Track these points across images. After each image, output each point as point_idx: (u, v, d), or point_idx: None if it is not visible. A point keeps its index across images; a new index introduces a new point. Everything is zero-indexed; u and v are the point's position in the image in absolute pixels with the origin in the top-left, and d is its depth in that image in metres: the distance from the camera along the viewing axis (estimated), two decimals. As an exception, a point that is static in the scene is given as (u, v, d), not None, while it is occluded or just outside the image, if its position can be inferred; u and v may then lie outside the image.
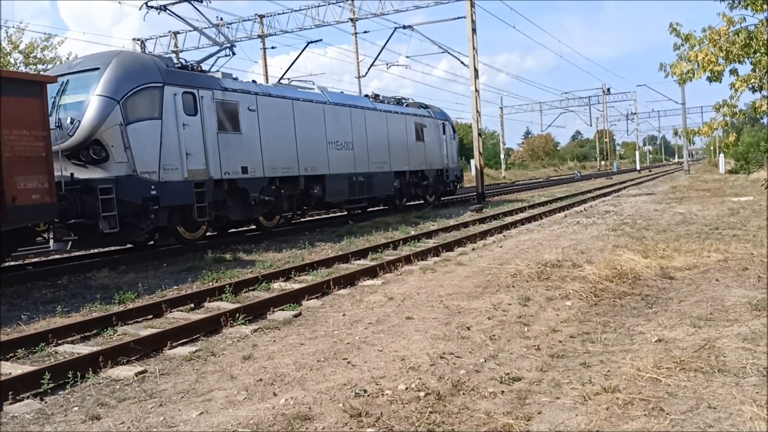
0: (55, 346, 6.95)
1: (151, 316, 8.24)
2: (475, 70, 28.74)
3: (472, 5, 28.40)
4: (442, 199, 28.40)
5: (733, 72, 10.46)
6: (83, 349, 6.77)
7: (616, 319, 6.63)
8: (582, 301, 7.46)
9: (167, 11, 17.29)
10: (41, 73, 27.16)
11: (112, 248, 15.39)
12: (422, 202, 26.24)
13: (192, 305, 8.75)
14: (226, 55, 17.78)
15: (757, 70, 10.31)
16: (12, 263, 13.36)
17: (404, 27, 32.90)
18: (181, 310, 8.51)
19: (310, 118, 18.38)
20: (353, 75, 35.12)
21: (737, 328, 5.91)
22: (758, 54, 9.99)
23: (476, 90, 28.99)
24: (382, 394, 4.82)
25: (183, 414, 4.75)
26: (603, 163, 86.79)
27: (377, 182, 21.69)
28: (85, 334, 7.43)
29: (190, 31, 34.43)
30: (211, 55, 17.51)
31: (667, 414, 4.12)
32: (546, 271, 9.14)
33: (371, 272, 10.43)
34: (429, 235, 15.66)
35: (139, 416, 4.76)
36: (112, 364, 6.01)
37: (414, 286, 9.21)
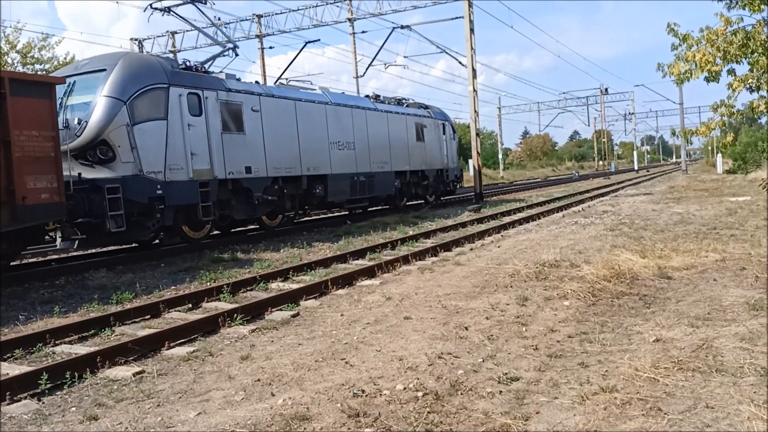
0: (52, 346, 6.94)
1: (148, 317, 8.23)
2: (473, 70, 28.74)
3: (470, 5, 28.40)
4: (442, 198, 28.54)
5: (731, 72, 10.47)
6: (81, 349, 6.76)
7: (614, 319, 6.63)
8: (580, 301, 7.46)
9: (171, 13, 17.47)
10: (39, 73, 27.13)
11: (110, 248, 15.39)
12: (422, 201, 26.36)
13: (190, 305, 8.74)
14: (229, 56, 18.03)
15: (754, 70, 10.32)
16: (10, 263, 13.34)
17: (402, 27, 32.94)
18: (179, 311, 8.50)
19: (312, 118, 18.52)
20: (351, 75, 35.11)
21: (735, 328, 5.92)
22: (756, 54, 10.00)
23: (474, 90, 28.99)
24: (380, 394, 4.82)
25: (181, 414, 4.75)
26: (601, 163, 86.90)
27: (378, 182, 21.85)
28: (83, 335, 7.42)
29: (188, 31, 34.57)
30: (214, 56, 17.63)
31: (665, 414, 4.12)
32: (544, 271, 9.14)
33: (369, 272, 10.42)
34: (427, 235, 15.66)
35: (136, 416, 4.75)
36: (109, 364, 6.00)
37: (412, 286, 9.21)
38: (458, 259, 11.42)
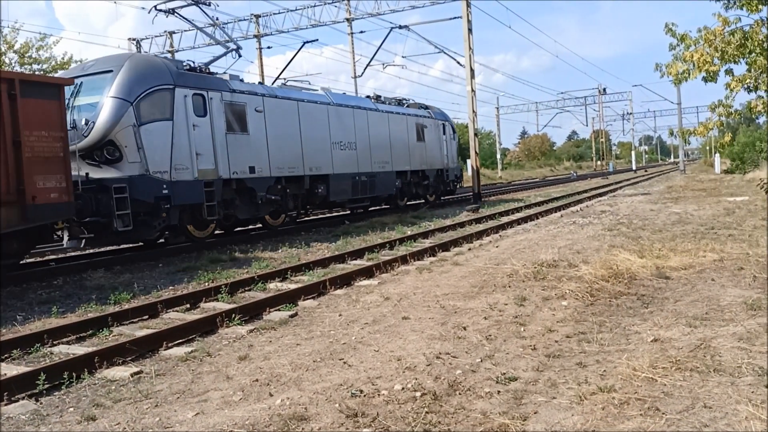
0: (50, 346, 6.92)
1: (146, 317, 8.22)
2: (471, 70, 28.73)
3: (468, 5, 28.40)
4: (442, 198, 28.73)
5: (729, 72, 10.49)
6: (79, 349, 6.75)
7: (612, 318, 6.64)
8: (578, 300, 7.47)
9: (175, 14, 17.64)
10: (37, 73, 27.10)
11: (108, 249, 15.39)
12: (423, 201, 26.52)
13: (188, 305, 8.73)
14: (232, 57, 18.24)
15: (752, 70, 10.33)
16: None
17: (400, 27, 32.94)
18: (177, 311, 8.49)
19: (314, 118, 18.69)
20: (349, 75, 35.09)
21: (733, 328, 5.93)
22: (753, 54, 10.01)
23: (472, 90, 28.99)
24: (379, 395, 4.82)
25: (179, 414, 4.74)
26: (599, 163, 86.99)
27: (379, 182, 22.00)
28: (81, 335, 7.41)
29: (186, 31, 34.54)
30: (218, 57, 17.76)
31: (663, 414, 4.13)
32: (542, 271, 9.15)
33: (367, 272, 10.42)
34: (425, 235, 15.66)
35: (134, 417, 4.75)
36: (107, 364, 6.00)
37: (410, 286, 9.21)
38: (456, 259, 11.42)
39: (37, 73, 27.28)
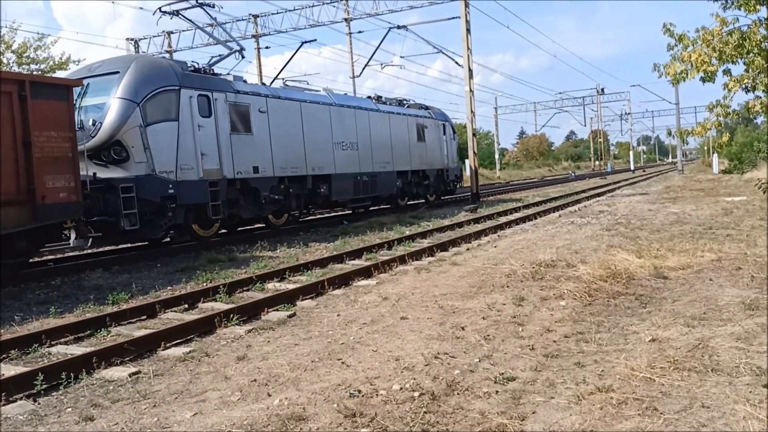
0: (48, 347, 6.92)
1: (144, 317, 8.22)
2: (470, 71, 28.74)
3: (467, 5, 28.41)
4: (442, 198, 28.94)
5: (727, 72, 10.47)
6: (77, 350, 6.74)
7: (610, 318, 6.64)
8: (576, 300, 7.47)
9: (180, 16, 17.92)
10: (34, 73, 27.07)
11: (105, 249, 15.39)
12: (423, 201, 26.72)
13: (186, 306, 8.73)
14: (236, 58, 18.45)
15: (750, 70, 10.33)
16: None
17: (399, 27, 32.93)
18: (175, 311, 8.48)
19: (317, 119, 18.91)
20: (348, 75, 35.08)
21: (731, 328, 5.93)
22: (751, 54, 10.00)
23: (471, 90, 29.00)
24: (377, 395, 4.82)
25: (177, 415, 4.74)
26: (597, 163, 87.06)
27: (381, 182, 22.20)
28: (79, 335, 7.40)
29: (184, 31, 34.50)
30: (222, 58, 17.89)
31: (661, 413, 4.13)
32: (540, 271, 9.15)
33: (366, 272, 10.42)
34: (424, 235, 15.66)
35: (132, 417, 4.74)
36: (105, 364, 5.99)
37: (408, 286, 9.21)
38: (455, 259, 11.42)
39: (35, 73, 27.25)
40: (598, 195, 28.94)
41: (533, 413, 4.32)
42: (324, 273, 10.77)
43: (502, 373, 5.11)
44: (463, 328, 6.58)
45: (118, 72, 13.59)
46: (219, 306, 8.50)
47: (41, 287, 10.78)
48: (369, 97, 24.03)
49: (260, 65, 35.77)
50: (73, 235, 12.13)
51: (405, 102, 26.39)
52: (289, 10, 33.41)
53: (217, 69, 16.65)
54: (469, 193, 29.49)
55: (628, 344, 5.71)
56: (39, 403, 5.20)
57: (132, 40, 36.98)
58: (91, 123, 12.89)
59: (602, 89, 75.66)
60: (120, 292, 9.56)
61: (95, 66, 14.42)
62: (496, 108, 77.09)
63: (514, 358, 5.54)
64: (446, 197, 29.79)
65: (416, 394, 4.76)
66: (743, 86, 10.53)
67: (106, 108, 13.09)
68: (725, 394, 4.37)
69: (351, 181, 20.43)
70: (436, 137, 26.97)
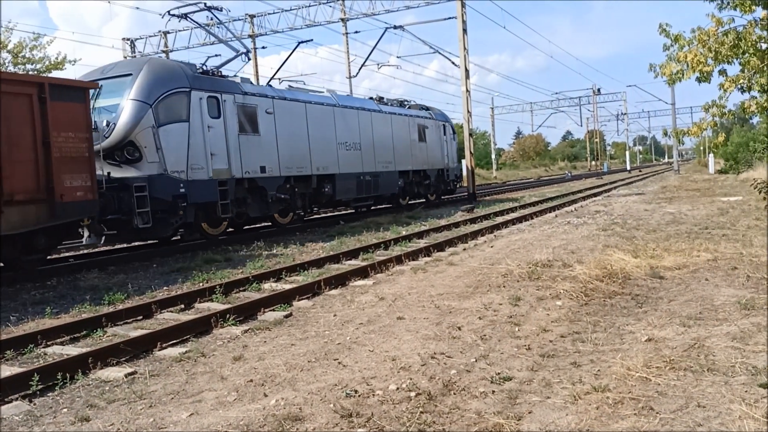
0: (44, 347, 6.90)
1: (140, 317, 8.20)
2: (466, 71, 28.78)
3: (463, 5, 28.43)
4: (442, 197, 29.30)
5: (722, 72, 10.50)
6: (72, 350, 6.73)
7: (606, 318, 6.65)
8: (572, 300, 7.48)
9: (188, 19, 18.44)
10: (30, 73, 27.02)
11: (104, 249, 15.38)
12: (424, 200, 27.06)
13: (182, 306, 8.72)
14: (242, 60, 18.82)
15: (745, 70, 10.35)
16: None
17: (395, 27, 32.94)
18: (171, 311, 8.47)
19: (321, 120, 19.34)
20: (344, 75, 35.20)
21: (726, 328, 5.94)
22: (747, 54, 10.03)
23: (467, 90, 29.03)
24: (373, 395, 4.82)
25: (173, 415, 4.73)
26: (593, 163, 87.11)
27: (383, 181, 22.61)
28: (75, 336, 7.39)
29: (180, 31, 34.44)
30: (229, 60, 18.25)
31: (657, 413, 4.14)
32: (537, 271, 9.16)
33: (362, 272, 10.42)
34: (420, 235, 15.67)
35: (128, 417, 4.73)
36: (101, 365, 5.98)
37: (405, 286, 9.21)
38: (451, 259, 11.43)
39: (30, 73, 27.18)
40: (595, 195, 28.97)
41: (529, 413, 4.32)
42: (320, 273, 10.77)
43: (499, 373, 5.11)
44: (459, 328, 6.58)
45: (130, 74, 14.00)
46: (215, 306, 8.49)
47: (37, 287, 10.77)
48: (371, 98, 24.33)
49: (257, 65, 35.75)
50: (86, 233, 12.34)
51: (406, 103, 26.76)
52: (286, 10, 33.43)
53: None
54: (466, 193, 29.54)
55: (624, 344, 5.72)
56: (35, 404, 5.18)
57: (128, 40, 36.94)
58: (105, 124, 13.24)
59: (598, 89, 75.78)
60: (116, 293, 9.55)
61: (108, 68, 14.78)
62: (492, 108, 77.17)
63: (510, 358, 5.54)
64: (445, 197, 29.94)
65: (413, 394, 4.76)
66: (739, 86, 10.56)
67: (119, 109, 13.44)
68: (721, 394, 4.37)
69: (354, 180, 20.82)
70: (436, 137, 27.33)
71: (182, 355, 6.28)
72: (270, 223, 18.80)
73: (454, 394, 4.75)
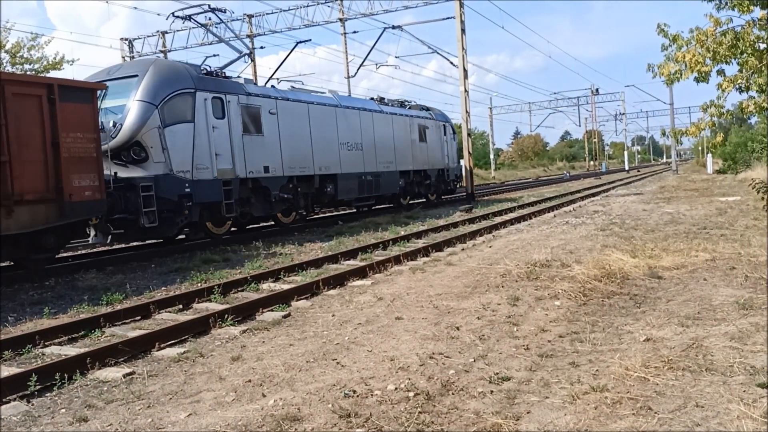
0: (42, 347, 6.90)
1: (139, 318, 8.20)
2: (465, 71, 28.78)
3: (461, 6, 28.44)
4: (442, 197, 29.46)
5: (720, 72, 10.50)
6: (71, 350, 6.73)
7: (604, 318, 6.65)
8: (571, 300, 7.48)
9: (192, 20, 18.78)
10: (28, 73, 26.98)
11: (101, 249, 15.37)
12: (425, 200, 27.23)
13: (180, 306, 8.72)
14: (245, 62, 19.09)
15: (743, 70, 10.35)
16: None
17: (393, 27, 32.95)
18: (170, 311, 8.47)
19: (323, 120, 19.54)
20: (342, 75, 35.09)
21: (725, 327, 5.95)
22: (745, 55, 10.03)
23: (465, 90, 29.04)
24: (372, 395, 4.82)
25: (171, 415, 4.73)
26: (592, 163, 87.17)
27: (384, 181, 22.81)
28: (73, 336, 7.38)
29: (178, 31, 34.39)
30: (232, 61, 18.44)
31: (655, 413, 4.14)
32: (535, 271, 9.16)
33: (361, 272, 10.41)
34: (419, 235, 15.67)
35: (126, 418, 4.73)
36: (99, 365, 5.98)
37: (403, 287, 9.21)
38: (450, 260, 11.43)
39: (28, 73, 27.15)
40: (593, 195, 28.99)
41: (528, 413, 4.32)
42: (319, 273, 10.77)
43: (497, 373, 5.11)
44: (458, 328, 6.58)
45: (136, 75, 14.15)
46: (213, 306, 8.48)
47: (35, 288, 10.76)
48: (372, 99, 24.49)
49: (255, 65, 35.70)
50: (92, 232, 12.45)
51: (407, 103, 26.94)
52: (284, 10, 33.42)
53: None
54: (464, 194, 29.56)
55: (623, 344, 5.72)
56: (33, 404, 5.18)
57: (126, 40, 36.90)
58: (111, 124, 13.38)
59: (597, 89, 75.75)
60: (114, 293, 9.54)
61: (114, 69, 14.96)
62: (491, 108, 77.17)
63: (508, 358, 5.54)
64: (444, 197, 30.06)
65: (411, 394, 4.75)
66: (737, 86, 10.56)
67: (126, 110, 13.58)
68: (719, 394, 4.38)
69: (356, 180, 21.00)
70: (437, 138, 27.53)
71: (180, 356, 6.28)
72: (273, 223, 18.99)
73: (453, 394, 4.75)
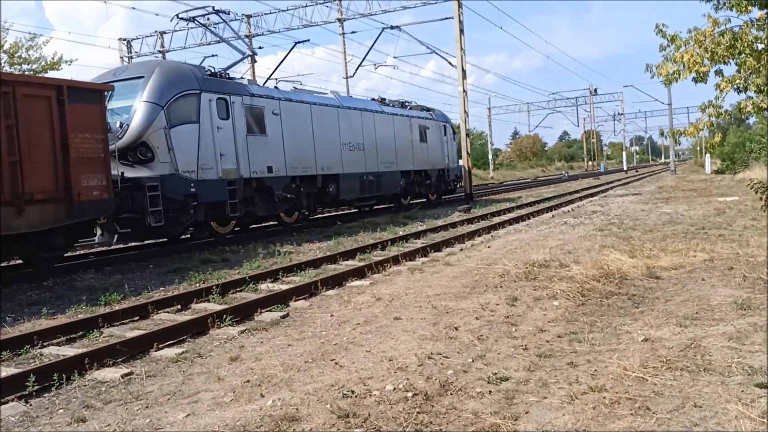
0: (40, 348, 6.89)
1: (137, 318, 8.19)
2: (463, 71, 28.78)
3: (460, 6, 28.45)
4: (443, 197, 29.63)
5: (719, 73, 10.50)
6: (69, 351, 6.72)
7: (602, 318, 6.65)
8: (569, 300, 7.48)
9: (195, 22, 19.02)
10: (26, 73, 26.96)
11: (101, 249, 15.36)
12: (425, 200, 27.40)
13: (179, 306, 8.71)
14: (248, 63, 19.09)
15: (741, 71, 10.35)
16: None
17: (392, 27, 32.94)
18: (168, 312, 8.46)
19: (325, 121, 19.71)
20: (341, 75, 35.07)
21: (723, 328, 5.95)
22: (743, 55, 10.03)
23: (464, 90, 29.04)
24: (370, 395, 4.82)
25: (169, 416, 4.72)
26: (590, 163, 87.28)
27: (385, 181, 22.99)
28: (71, 336, 7.38)
29: (177, 31, 34.39)
30: (236, 62, 18.73)
31: (654, 413, 4.14)
32: (533, 271, 9.16)
33: (359, 273, 10.41)
34: (417, 235, 15.67)
35: (125, 418, 4.73)
36: (98, 366, 5.97)
37: (402, 287, 9.21)
38: (448, 260, 11.43)
39: (27, 73, 27.11)
40: (591, 195, 29.00)
41: (526, 413, 4.32)
42: (317, 273, 10.76)
43: (496, 373, 5.11)
44: (456, 329, 6.58)
45: (142, 76, 14.29)
46: (212, 307, 8.47)
47: (33, 288, 10.74)
48: (373, 99, 24.65)
49: (253, 66, 35.68)
50: (99, 232, 12.58)
51: (407, 103, 27.10)
52: (282, 11, 33.39)
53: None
54: (463, 194, 29.57)
55: (621, 344, 5.72)
56: (31, 405, 5.18)
57: (124, 40, 36.87)
58: (118, 125, 13.50)
59: (595, 90, 75.87)
60: (112, 293, 9.53)
61: (120, 70, 15.16)
62: (489, 108, 77.25)
63: (507, 358, 5.54)
64: (444, 197, 30.19)
65: (409, 394, 4.76)
66: (735, 87, 10.56)
67: (132, 111, 13.71)
68: (717, 394, 4.38)
69: (358, 180, 21.16)
70: (437, 138, 27.70)
71: (179, 356, 6.27)
72: (276, 222, 19.14)
73: (451, 394, 4.75)
